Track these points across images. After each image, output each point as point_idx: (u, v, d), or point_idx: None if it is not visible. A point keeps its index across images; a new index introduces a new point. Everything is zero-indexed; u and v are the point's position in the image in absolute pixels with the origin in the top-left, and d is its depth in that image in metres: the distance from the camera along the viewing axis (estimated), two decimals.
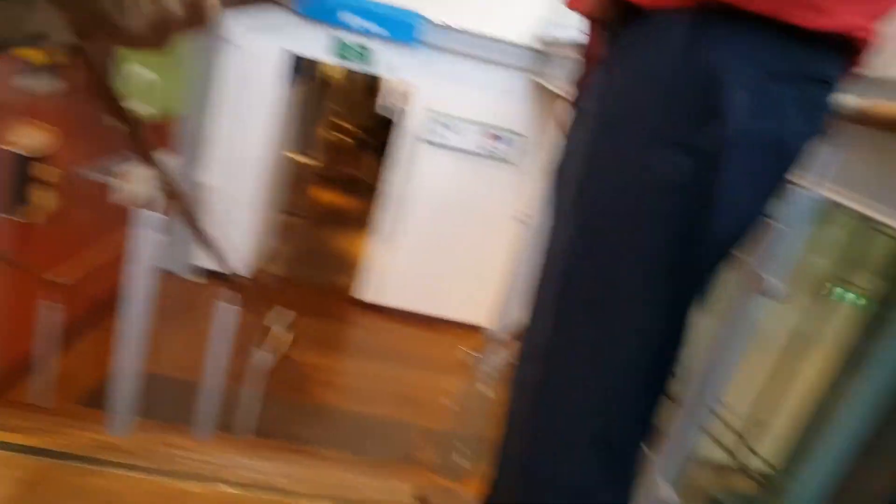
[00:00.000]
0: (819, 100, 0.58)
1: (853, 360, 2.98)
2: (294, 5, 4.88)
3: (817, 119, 0.59)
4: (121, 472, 1.60)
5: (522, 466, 0.70)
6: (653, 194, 0.59)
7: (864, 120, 0.75)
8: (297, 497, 1.77)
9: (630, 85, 0.61)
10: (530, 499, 0.69)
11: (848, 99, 0.71)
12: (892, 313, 2.92)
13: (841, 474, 2.87)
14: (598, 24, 0.72)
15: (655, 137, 0.58)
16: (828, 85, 0.58)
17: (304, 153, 7.17)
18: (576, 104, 0.78)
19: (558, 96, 4.02)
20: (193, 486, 1.62)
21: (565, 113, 0.81)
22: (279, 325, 3.97)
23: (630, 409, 0.67)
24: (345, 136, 11.42)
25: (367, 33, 5.01)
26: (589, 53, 0.76)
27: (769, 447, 3.43)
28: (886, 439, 2.70)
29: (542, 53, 4.93)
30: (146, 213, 1.71)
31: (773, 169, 0.59)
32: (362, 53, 5.10)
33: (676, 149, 0.57)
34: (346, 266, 6.64)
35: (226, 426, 3.26)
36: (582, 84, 0.78)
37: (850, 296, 3.35)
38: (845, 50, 0.57)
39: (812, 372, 3.26)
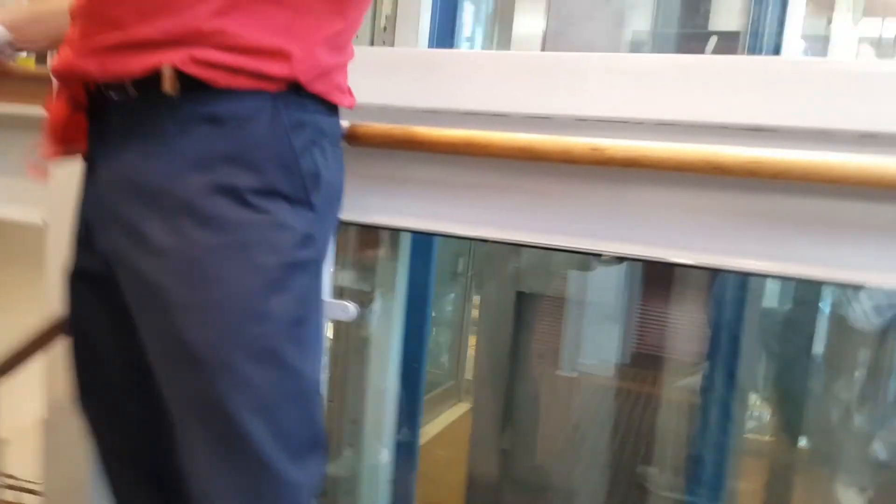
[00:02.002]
0: (340, 145, 0.79)
1: None
2: None
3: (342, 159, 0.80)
4: None
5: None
6: (291, 247, 0.69)
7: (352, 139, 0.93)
8: None
9: (208, 156, 0.67)
10: None
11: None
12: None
13: None
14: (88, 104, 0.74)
15: (273, 196, 0.68)
16: (341, 133, 0.80)
17: None
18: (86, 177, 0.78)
19: None
20: None
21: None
22: None
23: None
24: None
25: None
26: (63, 133, 0.77)
27: None
28: None
29: None
30: None
31: (337, 205, 0.80)
32: None
33: (289, 202, 0.69)
34: None
35: None
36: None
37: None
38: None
39: None
